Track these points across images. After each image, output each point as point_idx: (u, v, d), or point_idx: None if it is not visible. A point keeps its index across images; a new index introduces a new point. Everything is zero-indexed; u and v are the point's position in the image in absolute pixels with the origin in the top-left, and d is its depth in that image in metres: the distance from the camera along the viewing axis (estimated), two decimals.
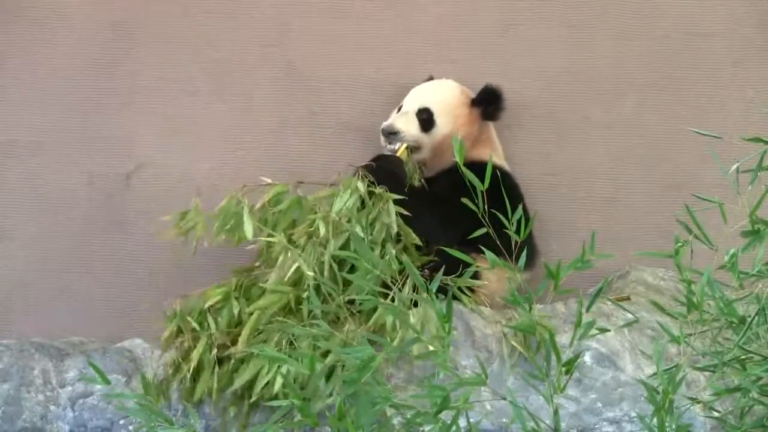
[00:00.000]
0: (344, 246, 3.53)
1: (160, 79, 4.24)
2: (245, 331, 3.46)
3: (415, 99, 4.06)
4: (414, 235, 3.68)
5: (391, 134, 3.97)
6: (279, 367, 3.30)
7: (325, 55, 4.25)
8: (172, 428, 2.92)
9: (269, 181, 3.76)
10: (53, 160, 4.22)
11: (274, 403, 2.96)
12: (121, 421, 3.51)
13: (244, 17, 4.25)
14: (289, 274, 3.50)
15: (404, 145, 3.96)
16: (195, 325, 3.50)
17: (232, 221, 3.67)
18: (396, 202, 3.67)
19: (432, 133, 4.01)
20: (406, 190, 3.79)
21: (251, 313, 3.47)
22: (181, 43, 4.25)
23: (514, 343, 3.46)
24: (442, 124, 4.01)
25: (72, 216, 4.19)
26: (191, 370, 3.45)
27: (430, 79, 4.17)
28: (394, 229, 3.62)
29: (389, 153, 3.97)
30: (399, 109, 4.07)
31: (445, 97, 4.06)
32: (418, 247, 3.72)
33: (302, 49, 4.25)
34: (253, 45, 4.25)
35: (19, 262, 4.18)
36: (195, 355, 3.46)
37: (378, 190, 3.68)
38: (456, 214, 3.49)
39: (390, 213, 3.64)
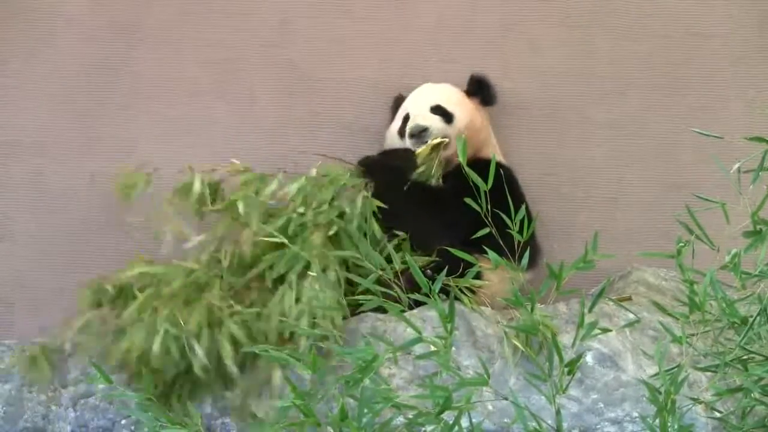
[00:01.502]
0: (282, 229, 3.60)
1: (162, 79, 4.24)
2: (138, 300, 3.53)
3: (421, 101, 4.05)
4: (379, 229, 3.71)
5: (422, 132, 3.94)
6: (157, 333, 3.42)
7: (326, 56, 4.25)
8: (174, 428, 2.91)
9: (236, 161, 3.78)
10: (55, 161, 4.22)
11: (277, 403, 2.96)
12: (123, 421, 3.50)
13: (245, 18, 4.25)
14: (191, 244, 3.66)
15: (430, 143, 3.94)
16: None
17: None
18: (390, 196, 3.70)
19: (454, 124, 3.99)
20: (406, 186, 3.80)
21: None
22: (183, 44, 4.25)
23: (516, 343, 3.45)
24: (460, 115, 4.00)
25: (73, 216, 4.19)
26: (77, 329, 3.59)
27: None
28: (351, 217, 3.65)
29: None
30: (405, 120, 4.04)
31: (447, 92, 4.07)
32: (412, 246, 3.74)
33: (304, 49, 4.25)
34: (254, 45, 4.25)
35: (21, 262, 4.18)
36: (79, 320, 3.58)
37: (353, 180, 3.73)
38: (457, 213, 3.49)
39: (355, 203, 3.65)
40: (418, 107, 4.03)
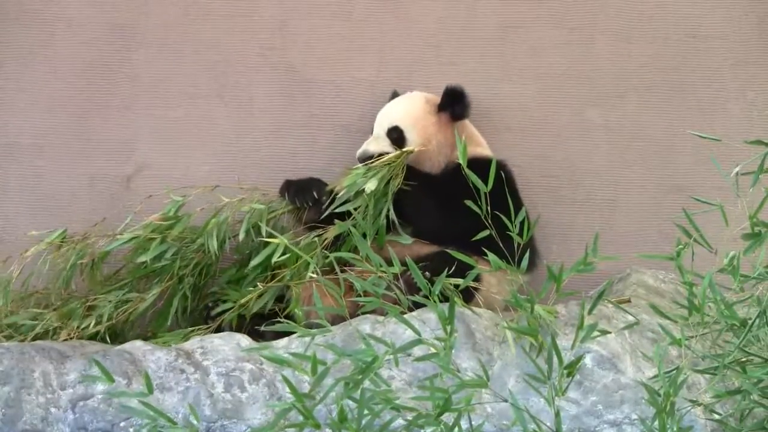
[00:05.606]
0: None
1: (161, 81, 4.25)
2: None
3: (384, 120, 4.07)
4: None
5: (367, 159, 3.97)
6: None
7: (325, 58, 4.26)
8: (175, 428, 2.91)
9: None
10: (54, 163, 4.22)
11: (276, 405, 2.96)
12: (122, 423, 3.49)
13: (244, 20, 4.25)
14: None
15: (398, 152, 3.98)
16: None
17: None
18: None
19: (405, 146, 4.02)
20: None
21: None
22: (182, 46, 4.25)
23: (512, 344, 3.45)
24: (413, 139, 4.02)
25: (72, 218, 4.19)
26: None
27: (395, 95, 4.18)
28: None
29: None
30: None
31: (410, 110, 4.06)
32: None
33: (302, 51, 4.26)
34: (253, 47, 4.26)
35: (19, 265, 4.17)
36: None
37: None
38: (457, 212, 3.50)
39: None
40: (379, 126, 4.07)
